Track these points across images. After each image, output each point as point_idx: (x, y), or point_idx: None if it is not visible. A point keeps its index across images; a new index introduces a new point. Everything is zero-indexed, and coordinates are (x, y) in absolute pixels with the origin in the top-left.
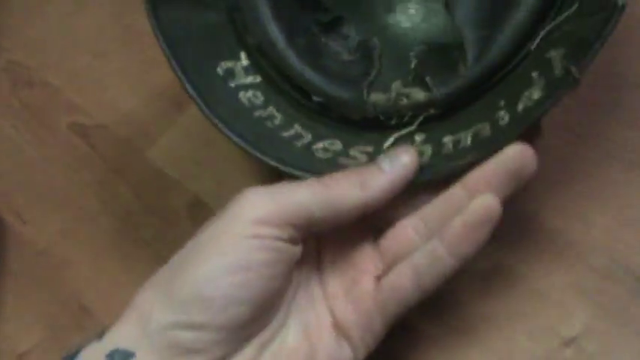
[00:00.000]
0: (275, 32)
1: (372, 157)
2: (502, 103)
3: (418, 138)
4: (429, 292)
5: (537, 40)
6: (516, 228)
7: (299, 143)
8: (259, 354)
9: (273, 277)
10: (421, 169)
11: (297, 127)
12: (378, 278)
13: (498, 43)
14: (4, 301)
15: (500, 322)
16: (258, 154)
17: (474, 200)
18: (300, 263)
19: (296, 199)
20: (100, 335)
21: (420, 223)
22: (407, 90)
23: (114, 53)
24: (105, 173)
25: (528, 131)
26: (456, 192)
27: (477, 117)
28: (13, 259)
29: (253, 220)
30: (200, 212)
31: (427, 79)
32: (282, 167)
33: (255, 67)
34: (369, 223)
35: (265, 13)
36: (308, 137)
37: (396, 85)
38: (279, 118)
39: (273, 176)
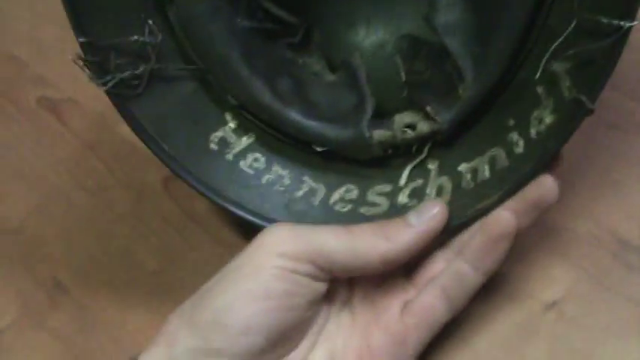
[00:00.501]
0: (258, 88)
1: (392, 200)
2: (511, 122)
3: (432, 166)
4: (459, 310)
5: (543, 62)
6: None
7: (316, 200)
8: None
9: (291, 307)
10: (450, 216)
11: (307, 181)
12: (407, 303)
13: (495, 58)
14: None
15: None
16: None
17: (491, 215)
18: (331, 297)
19: (319, 239)
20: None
21: (450, 254)
22: (409, 120)
23: None
24: (77, 149)
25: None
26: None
27: (489, 139)
28: None
29: (276, 253)
30: (176, 186)
31: (428, 109)
32: None
33: (244, 125)
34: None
35: (242, 69)
36: (322, 191)
37: (398, 120)
38: (286, 177)
39: None
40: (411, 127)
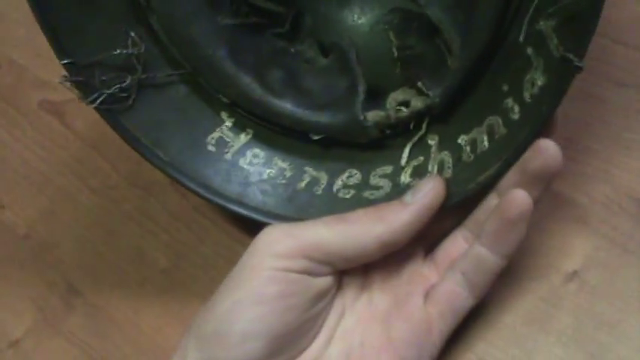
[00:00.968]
0: (247, 84)
1: (394, 180)
2: (505, 87)
3: (432, 142)
4: (482, 294)
5: (527, 18)
6: None
7: (319, 189)
8: None
9: (288, 309)
10: (451, 193)
11: (309, 171)
12: (429, 292)
13: (480, 26)
14: None
15: None
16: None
17: (505, 197)
18: (344, 289)
19: (312, 233)
20: None
21: (468, 234)
22: (402, 97)
23: None
24: (81, 150)
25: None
26: (492, 201)
27: (485, 108)
28: None
29: (268, 254)
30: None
31: (419, 84)
32: None
33: (241, 122)
34: (419, 238)
35: (228, 68)
36: (324, 179)
37: (391, 99)
38: (288, 169)
39: None
40: (405, 104)
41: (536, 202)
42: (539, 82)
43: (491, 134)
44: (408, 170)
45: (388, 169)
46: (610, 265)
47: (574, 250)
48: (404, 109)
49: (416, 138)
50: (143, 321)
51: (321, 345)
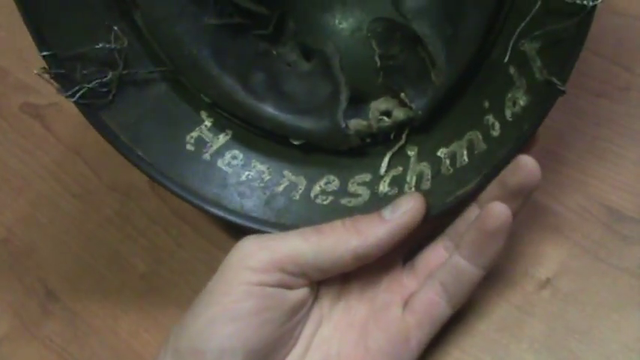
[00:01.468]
0: (230, 85)
1: (372, 189)
2: (486, 104)
3: (411, 152)
4: (460, 304)
5: (512, 40)
6: None
7: (297, 195)
8: None
9: (265, 323)
10: (429, 205)
11: (287, 175)
12: (408, 301)
13: (467, 41)
14: None
15: None
16: (264, 228)
17: (485, 209)
18: (319, 298)
19: (287, 245)
20: None
21: (449, 243)
22: (385, 107)
23: None
24: (62, 153)
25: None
26: (473, 212)
27: (466, 123)
28: None
29: (243, 268)
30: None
31: (402, 95)
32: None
33: (221, 123)
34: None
35: (212, 68)
36: (302, 184)
37: (374, 108)
38: (266, 172)
39: None
40: (387, 114)
41: (516, 214)
42: (522, 102)
43: (470, 149)
44: (387, 179)
45: (367, 177)
46: (582, 272)
47: (547, 258)
48: (386, 119)
49: (395, 148)
50: (121, 327)
51: (298, 355)
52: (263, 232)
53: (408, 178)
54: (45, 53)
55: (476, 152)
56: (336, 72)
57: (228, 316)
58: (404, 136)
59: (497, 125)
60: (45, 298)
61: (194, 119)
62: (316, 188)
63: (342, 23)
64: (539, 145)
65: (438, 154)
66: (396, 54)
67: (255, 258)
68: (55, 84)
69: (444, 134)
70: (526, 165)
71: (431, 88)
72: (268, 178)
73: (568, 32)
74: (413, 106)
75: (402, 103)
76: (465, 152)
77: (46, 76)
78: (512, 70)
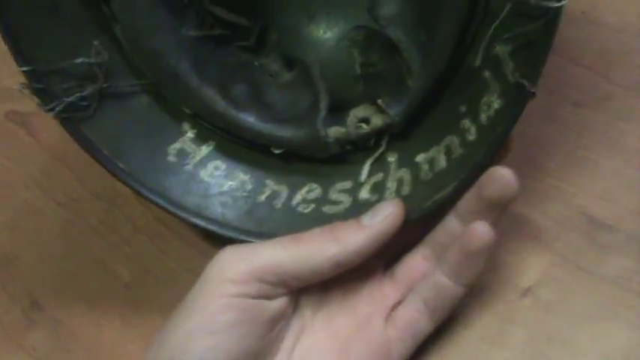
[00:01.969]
0: (210, 96)
1: (353, 196)
2: (463, 109)
3: (391, 159)
4: (441, 320)
5: (484, 44)
6: None
7: (278, 203)
8: None
9: (243, 336)
10: (409, 210)
11: (269, 184)
12: (392, 310)
13: (441, 46)
14: None
15: None
16: (245, 237)
17: (468, 229)
18: (300, 307)
19: (265, 255)
20: None
21: (428, 252)
22: (363, 114)
23: None
24: (47, 161)
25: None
26: (451, 222)
27: (443, 127)
28: None
29: (223, 280)
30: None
31: (379, 101)
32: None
33: (203, 134)
34: (378, 253)
35: (192, 80)
36: (284, 193)
37: (352, 115)
38: (249, 182)
39: None
40: (366, 121)
41: (495, 225)
42: (496, 105)
43: (448, 154)
44: (368, 186)
45: (348, 184)
46: (563, 281)
47: (529, 267)
48: (364, 125)
49: (376, 155)
50: (105, 336)
51: None
52: (244, 242)
53: (388, 184)
54: (24, 69)
55: (453, 157)
56: (316, 80)
57: (208, 329)
58: (384, 143)
59: (473, 129)
60: (29, 306)
61: (176, 131)
62: (298, 197)
63: (327, 33)
64: (516, 152)
65: (418, 159)
66: (376, 62)
67: (234, 269)
68: (35, 99)
69: (423, 140)
70: (503, 177)
71: (408, 94)
72: (250, 187)
73: (537, 34)
74: (390, 112)
75: (380, 110)
76: (443, 157)
77: (27, 91)
78: (486, 74)
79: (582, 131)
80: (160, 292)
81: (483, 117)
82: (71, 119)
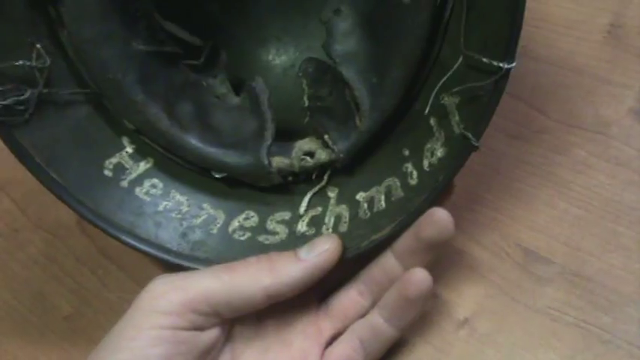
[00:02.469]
0: (154, 113)
1: (291, 228)
2: (406, 152)
3: (331, 194)
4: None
5: (434, 91)
6: None
7: (214, 229)
8: None
9: None
10: (345, 248)
11: (207, 208)
12: (326, 346)
13: (389, 90)
14: None
15: None
16: (177, 260)
17: (406, 275)
18: (232, 338)
19: (198, 285)
20: None
21: (362, 287)
22: (309, 147)
23: None
24: None
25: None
26: (388, 259)
27: (385, 169)
28: None
29: (154, 311)
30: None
31: (325, 137)
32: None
33: (143, 150)
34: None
35: (136, 95)
36: (221, 218)
37: (298, 147)
38: (185, 204)
39: None
40: (310, 154)
41: (430, 263)
42: (439, 154)
43: (388, 195)
44: (306, 219)
45: (286, 215)
46: (498, 313)
47: (465, 298)
48: (309, 159)
49: (317, 188)
50: None
51: None
52: (177, 265)
53: (326, 220)
54: None
55: (393, 199)
56: (264, 108)
57: None
58: (326, 177)
59: (415, 174)
60: None
61: (115, 145)
62: (235, 223)
63: (276, 59)
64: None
65: (357, 197)
66: (325, 96)
67: (166, 299)
68: None
69: (365, 179)
70: (440, 219)
71: (354, 132)
72: (187, 209)
73: (485, 90)
74: (335, 148)
75: (326, 145)
76: (383, 197)
77: None
78: (432, 121)
79: (518, 163)
80: (99, 324)
81: (426, 163)
82: (4, 123)
